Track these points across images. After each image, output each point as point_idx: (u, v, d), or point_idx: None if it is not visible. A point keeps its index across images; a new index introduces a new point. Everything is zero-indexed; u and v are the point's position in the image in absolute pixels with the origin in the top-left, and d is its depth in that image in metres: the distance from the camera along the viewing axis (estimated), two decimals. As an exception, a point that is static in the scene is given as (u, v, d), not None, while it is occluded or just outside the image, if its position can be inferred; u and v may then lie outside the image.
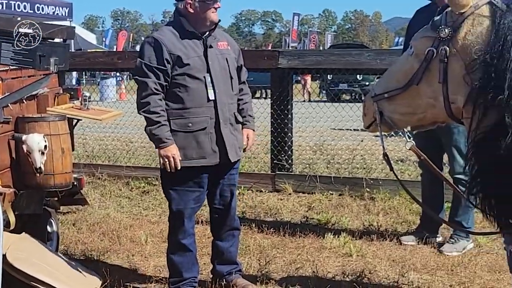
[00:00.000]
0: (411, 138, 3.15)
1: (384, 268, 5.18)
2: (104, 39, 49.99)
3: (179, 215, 4.59)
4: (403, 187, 3.53)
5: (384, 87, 3.08)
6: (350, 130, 11.48)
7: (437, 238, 5.83)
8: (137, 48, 52.73)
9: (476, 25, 2.74)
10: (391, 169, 3.26)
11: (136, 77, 4.45)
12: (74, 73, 19.84)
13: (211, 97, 4.45)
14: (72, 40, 22.59)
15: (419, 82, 2.89)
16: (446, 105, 2.83)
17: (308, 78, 25.31)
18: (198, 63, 4.44)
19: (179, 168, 4.36)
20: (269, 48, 53.85)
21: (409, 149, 3.23)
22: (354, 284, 4.76)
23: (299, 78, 25.25)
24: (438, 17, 2.89)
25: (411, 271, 5.11)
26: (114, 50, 38.81)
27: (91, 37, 43.99)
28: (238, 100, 4.72)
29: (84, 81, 31.54)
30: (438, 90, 2.83)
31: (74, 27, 4.59)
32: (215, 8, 4.48)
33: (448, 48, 2.78)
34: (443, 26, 2.81)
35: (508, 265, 3.59)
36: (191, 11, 4.46)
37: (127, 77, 32.90)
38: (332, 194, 7.41)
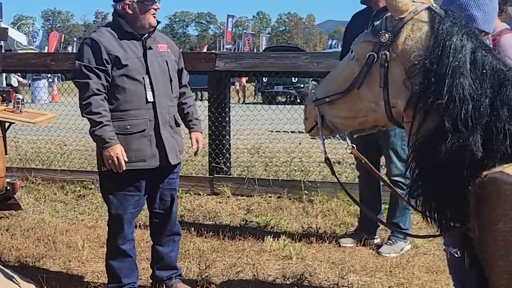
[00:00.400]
0: (350, 142, 3.17)
1: (324, 270, 5.21)
2: (34, 40, 48.99)
3: (118, 220, 4.52)
4: (343, 190, 3.54)
5: (325, 91, 3.07)
6: (287, 132, 11.52)
7: (375, 240, 5.90)
8: (69, 49, 51.87)
9: (416, 30, 2.76)
10: (333, 173, 3.26)
11: (77, 80, 4.36)
12: (4, 75, 19.35)
13: (150, 99, 4.40)
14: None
15: (360, 86, 2.89)
16: (387, 109, 2.84)
17: (244, 79, 25.37)
18: (137, 64, 4.39)
19: (124, 168, 4.28)
20: (205, 50, 53.75)
21: (350, 153, 3.24)
22: (295, 286, 4.78)
23: (234, 80, 25.29)
24: (378, 22, 2.90)
25: (351, 273, 5.16)
26: (46, 50, 38.12)
27: (21, 38, 43.03)
28: (182, 104, 4.70)
29: (16, 83, 30.90)
30: (379, 94, 2.84)
31: (7, 29, 4.46)
32: (155, 10, 4.43)
33: (388, 53, 2.78)
34: (383, 31, 2.81)
35: (447, 266, 3.67)
36: (130, 12, 4.41)
37: (58, 78, 32.39)
38: (271, 196, 7.42)
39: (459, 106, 2.58)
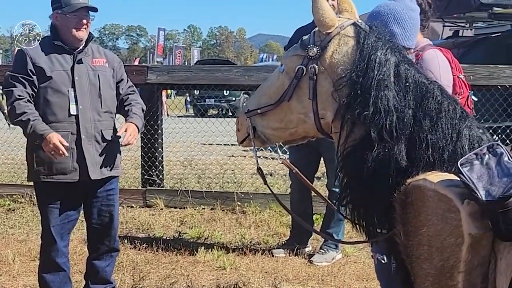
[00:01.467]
0: (287, 152, 3.27)
1: (257, 280, 5.28)
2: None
3: (47, 232, 4.49)
4: (276, 200, 3.62)
5: (257, 103, 3.15)
6: (220, 144, 11.59)
7: (306, 249, 6.02)
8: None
9: (342, 45, 2.87)
10: (265, 182, 3.35)
11: (4, 88, 4.36)
12: None
13: (73, 112, 4.37)
14: None
15: (290, 98, 2.98)
16: (316, 120, 2.94)
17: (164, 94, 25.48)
18: (62, 76, 4.37)
19: (67, 154, 4.23)
20: (137, 62, 53.46)
21: (282, 163, 3.34)
22: (228, 296, 4.84)
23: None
24: (307, 36, 3.01)
25: (284, 282, 5.26)
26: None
27: None
28: (125, 105, 4.66)
29: None
30: (308, 106, 2.94)
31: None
32: (82, 25, 4.42)
33: (317, 66, 2.89)
34: (311, 45, 2.92)
35: (375, 272, 3.79)
36: (57, 23, 4.42)
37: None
38: (204, 208, 7.47)
39: (384, 117, 2.69)
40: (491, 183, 2.34)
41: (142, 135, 7.80)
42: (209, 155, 10.66)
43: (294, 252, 5.92)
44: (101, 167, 4.49)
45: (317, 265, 5.67)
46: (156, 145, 7.76)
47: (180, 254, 5.95)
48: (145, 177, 7.80)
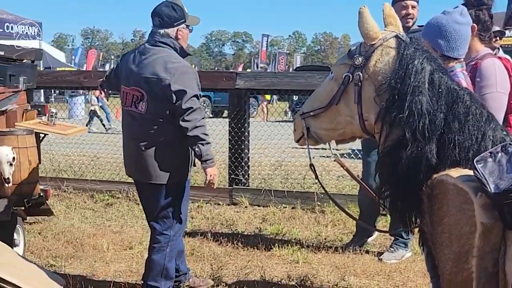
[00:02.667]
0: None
1: (326, 273, 5.63)
2: (73, 58, 50.05)
3: (180, 224, 4.96)
4: (329, 198, 4.02)
5: (311, 106, 3.55)
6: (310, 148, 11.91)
7: (370, 238, 6.35)
8: (107, 66, 52.77)
9: (384, 55, 3.22)
10: (316, 177, 3.74)
11: (192, 105, 4.65)
12: (42, 91, 20.12)
13: None
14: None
15: (338, 102, 3.36)
16: (361, 122, 3.31)
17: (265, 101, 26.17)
18: None
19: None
20: (240, 68, 54.46)
21: (334, 160, 3.71)
22: (297, 286, 5.20)
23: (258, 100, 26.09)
24: (354, 47, 3.38)
25: (352, 276, 5.58)
26: (84, 68, 39.05)
27: (60, 55, 44.16)
28: None
29: (52, 99, 31.83)
30: (354, 109, 3.31)
31: (42, 50, 5.01)
32: None
33: (361, 74, 3.25)
34: (357, 55, 3.29)
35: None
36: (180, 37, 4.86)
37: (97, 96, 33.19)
38: (286, 207, 7.88)
39: (418, 120, 3.03)
40: (500, 178, 2.64)
41: (230, 137, 8.29)
42: (299, 157, 11.03)
43: (365, 249, 6.22)
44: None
45: (386, 262, 5.96)
46: (243, 146, 8.23)
47: (258, 248, 6.36)
48: (232, 176, 8.29)
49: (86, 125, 18.81)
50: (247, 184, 8.32)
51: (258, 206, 8.01)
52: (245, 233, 6.98)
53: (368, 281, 5.50)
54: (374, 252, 6.24)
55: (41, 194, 6.25)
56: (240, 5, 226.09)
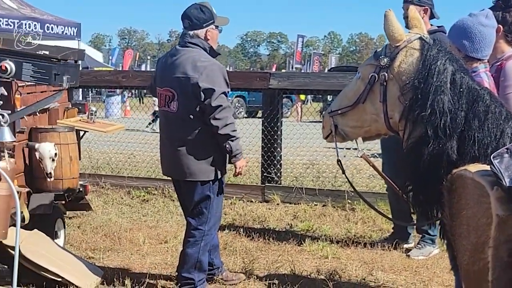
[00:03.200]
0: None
1: (355, 268, 5.79)
2: (110, 58, 50.65)
3: (215, 219, 5.19)
4: (358, 195, 4.20)
5: (338, 104, 3.73)
6: (342, 149, 12.05)
7: (407, 245, 6.45)
8: (143, 67, 53.28)
9: (408, 56, 3.39)
10: (343, 172, 3.92)
11: (220, 103, 4.83)
12: (80, 90, 20.50)
13: None
14: (80, 59, 23.31)
15: (364, 101, 3.54)
16: (386, 120, 3.48)
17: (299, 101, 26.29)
18: None
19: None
20: (274, 69, 54.57)
21: (361, 157, 3.89)
22: (326, 280, 5.37)
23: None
24: (380, 49, 3.55)
25: (379, 271, 5.74)
26: (120, 68, 39.53)
27: (97, 56, 44.80)
28: None
29: (90, 98, 32.35)
30: (379, 108, 3.48)
31: (84, 50, 5.25)
32: None
33: (386, 74, 3.42)
34: (383, 56, 3.46)
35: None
36: (210, 37, 5.07)
37: (132, 95, 33.68)
38: (316, 205, 8.05)
39: (439, 118, 3.19)
40: (515, 172, 2.79)
41: (263, 136, 8.49)
42: (330, 156, 11.17)
43: (393, 245, 6.36)
44: None
45: (413, 259, 6.10)
46: (275, 145, 8.41)
47: (288, 244, 6.54)
48: (265, 174, 8.47)
49: (148, 126, 19.17)
50: (279, 182, 8.50)
51: (290, 203, 8.18)
52: (276, 229, 7.16)
53: (395, 276, 5.65)
54: (402, 248, 6.38)
55: (81, 189, 6.49)
56: (276, 5, 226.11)
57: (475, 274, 2.97)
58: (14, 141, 4.80)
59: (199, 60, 4.87)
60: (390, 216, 6.17)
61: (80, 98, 23.35)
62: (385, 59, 3.44)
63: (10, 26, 17.80)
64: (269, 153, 8.42)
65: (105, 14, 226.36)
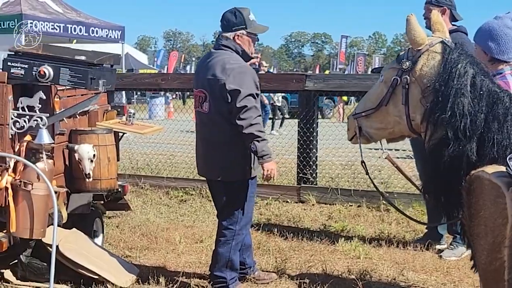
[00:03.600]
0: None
1: (386, 268, 5.84)
2: (155, 59, 51.14)
3: (246, 219, 5.29)
4: (379, 193, 4.33)
5: (362, 107, 3.82)
6: (377, 149, 12.08)
7: (441, 246, 6.47)
8: (187, 68, 53.80)
9: (430, 59, 3.46)
10: (367, 173, 4.01)
11: (246, 104, 4.93)
12: (123, 93, 20.83)
13: None
14: (123, 61, 23.67)
15: (387, 103, 3.63)
16: (408, 122, 3.56)
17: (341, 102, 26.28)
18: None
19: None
20: (317, 70, 54.55)
21: (385, 158, 3.97)
22: (356, 279, 5.43)
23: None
24: (403, 53, 3.63)
25: (410, 271, 5.79)
26: (165, 70, 39.91)
27: (142, 58, 45.34)
28: None
29: (134, 100, 32.76)
30: (402, 110, 3.56)
31: (120, 55, 5.41)
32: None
33: (408, 77, 3.50)
34: (405, 60, 3.54)
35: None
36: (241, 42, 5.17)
37: (177, 96, 34.01)
38: (351, 205, 8.11)
39: (459, 120, 3.26)
40: (530, 174, 2.85)
41: (299, 137, 8.58)
42: (371, 157, 11.17)
43: (426, 246, 6.40)
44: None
45: (445, 259, 6.13)
46: (311, 146, 8.49)
47: (322, 244, 6.62)
48: (300, 175, 8.56)
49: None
50: (314, 183, 8.58)
51: (325, 204, 8.25)
52: (311, 229, 7.24)
53: (427, 276, 5.69)
54: (435, 249, 6.41)
55: (119, 189, 6.64)
56: (321, 6, 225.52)
57: (492, 274, 3.04)
58: (53, 143, 4.96)
59: (228, 63, 5.00)
60: (416, 218, 6.22)
61: (124, 100, 23.60)
62: (407, 63, 3.53)
63: (56, 30, 18.25)
64: (304, 154, 8.50)
65: (150, 16, 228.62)
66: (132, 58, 38.77)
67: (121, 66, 23.88)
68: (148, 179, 9.41)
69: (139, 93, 34.18)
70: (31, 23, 17.08)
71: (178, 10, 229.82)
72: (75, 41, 19.15)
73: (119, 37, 20.52)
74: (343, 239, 6.69)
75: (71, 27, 18.49)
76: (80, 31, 18.78)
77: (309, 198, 8.32)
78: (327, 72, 45.53)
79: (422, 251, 6.37)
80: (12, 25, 17.29)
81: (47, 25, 17.84)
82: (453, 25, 6.25)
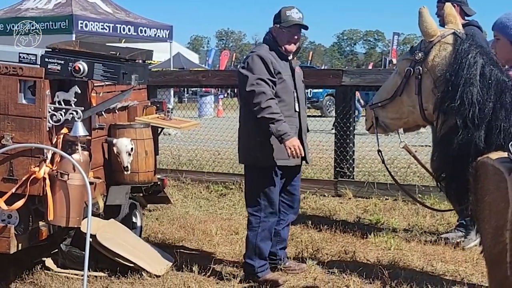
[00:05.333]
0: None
1: (415, 259, 5.93)
2: (207, 59, 51.52)
3: (270, 207, 5.43)
4: (398, 185, 4.42)
5: (379, 98, 3.93)
6: (422, 146, 12.12)
7: (468, 236, 6.51)
8: (239, 67, 54.30)
9: (442, 50, 3.55)
10: (383, 161, 4.12)
11: (252, 89, 5.17)
12: (172, 91, 21.07)
13: (297, 109, 5.41)
14: (172, 60, 24.01)
15: (401, 94, 3.72)
16: (421, 111, 3.65)
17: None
18: (290, 79, 5.41)
19: (303, 154, 5.27)
20: (370, 67, 54.31)
21: (403, 148, 4.07)
22: (383, 269, 5.53)
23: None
24: (416, 44, 3.73)
25: (439, 262, 5.86)
26: (217, 68, 40.23)
27: (194, 57, 45.75)
28: None
29: (185, 99, 33.18)
30: (415, 100, 3.65)
31: (152, 51, 5.58)
32: (294, 40, 5.42)
33: (421, 68, 3.59)
34: (417, 51, 3.64)
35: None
36: (275, 35, 5.43)
37: (228, 95, 34.30)
38: (388, 199, 8.18)
39: (468, 109, 3.35)
40: (531, 159, 2.93)
41: (336, 131, 8.69)
42: (401, 152, 11.16)
43: (458, 238, 6.45)
44: (305, 155, 5.45)
45: (466, 248, 6.17)
46: (348, 141, 8.58)
47: (355, 236, 6.73)
48: (337, 169, 8.66)
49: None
50: (351, 177, 8.67)
51: (361, 197, 8.34)
52: (345, 222, 7.34)
53: (455, 267, 5.76)
54: (464, 241, 6.45)
55: (158, 183, 6.85)
56: (374, 3, 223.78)
57: (496, 256, 3.13)
58: (88, 136, 5.18)
59: (250, 52, 5.34)
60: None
61: (172, 99, 23.85)
62: (419, 54, 3.62)
63: (106, 30, 18.66)
64: (341, 149, 8.59)
65: (203, 16, 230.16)
66: (183, 57, 39.18)
67: (170, 65, 24.26)
68: (190, 173, 9.63)
69: (190, 92, 34.62)
70: (81, 23, 17.52)
71: (230, 10, 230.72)
72: (124, 40, 19.57)
73: (167, 36, 20.85)
74: (376, 231, 6.80)
75: (120, 27, 18.87)
76: (129, 31, 19.15)
77: (346, 192, 8.42)
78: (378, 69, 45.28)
79: (453, 243, 6.41)
80: (63, 26, 17.78)
81: (97, 25, 18.27)
82: (465, 20, 6.36)
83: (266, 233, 5.41)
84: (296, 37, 5.46)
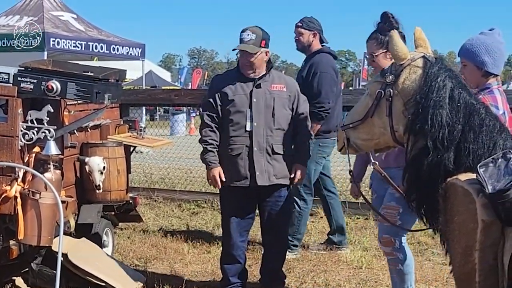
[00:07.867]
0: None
1: (387, 277, 5.93)
2: (179, 77, 51.50)
3: (228, 229, 5.54)
4: (367, 202, 4.44)
5: (350, 119, 3.98)
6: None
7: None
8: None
9: (412, 73, 3.62)
10: (352, 181, 4.17)
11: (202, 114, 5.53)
12: (144, 110, 21.03)
13: (248, 128, 5.31)
14: (144, 78, 23.98)
15: (372, 115, 3.78)
16: (392, 133, 3.71)
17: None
18: (242, 99, 5.32)
19: (219, 186, 5.35)
20: (342, 87, 54.44)
21: (374, 168, 4.13)
22: (356, 287, 5.58)
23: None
24: (387, 67, 3.80)
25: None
26: (189, 87, 40.23)
27: (166, 75, 45.78)
28: (294, 137, 5.48)
29: (157, 117, 33.13)
30: (386, 121, 3.72)
31: (125, 70, 5.61)
32: (245, 65, 5.38)
33: (392, 90, 3.66)
34: (388, 74, 3.70)
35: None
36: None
37: (199, 113, 34.34)
38: (359, 218, 8.26)
39: (438, 131, 3.41)
40: (498, 180, 3.00)
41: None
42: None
43: (427, 257, 6.53)
44: (269, 176, 5.34)
45: (445, 269, 6.23)
46: (320, 160, 8.62)
47: (327, 255, 6.77)
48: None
49: None
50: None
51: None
52: (317, 241, 7.38)
53: (426, 286, 5.83)
54: (436, 260, 6.53)
55: (130, 201, 6.84)
56: (344, 24, 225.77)
57: (465, 276, 3.18)
58: (60, 154, 5.17)
59: None
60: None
61: (144, 118, 23.86)
62: (390, 76, 3.68)
63: (78, 47, 18.57)
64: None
65: (175, 35, 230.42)
66: (156, 75, 39.22)
67: (142, 83, 24.23)
68: (162, 192, 9.63)
69: (162, 110, 34.58)
70: (53, 40, 17.44)
71: (203, 28, 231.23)
72: (96, 58, 19.51)
73: (139, 55, 20.82)
74: (348, 250, 6.84)
75: (92, 45, 18.80)
76: (102, 49, 19.09)
77: (317, 211, 8.45)
78: (350, 89, 45.57)
79: (424, 262, 6.48)
80: (35, 43, 17.67)
81: (69, 42, 18.17)
82: (322, 45, 6.93)
83: (228, 256, 5.50)
84: (244, 60, 5.37)
